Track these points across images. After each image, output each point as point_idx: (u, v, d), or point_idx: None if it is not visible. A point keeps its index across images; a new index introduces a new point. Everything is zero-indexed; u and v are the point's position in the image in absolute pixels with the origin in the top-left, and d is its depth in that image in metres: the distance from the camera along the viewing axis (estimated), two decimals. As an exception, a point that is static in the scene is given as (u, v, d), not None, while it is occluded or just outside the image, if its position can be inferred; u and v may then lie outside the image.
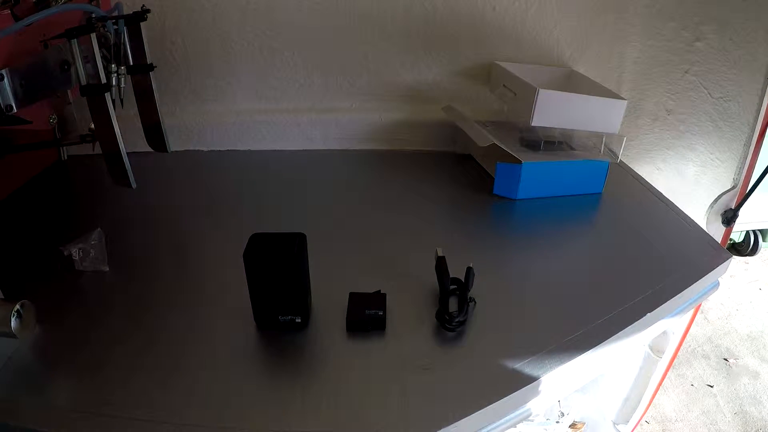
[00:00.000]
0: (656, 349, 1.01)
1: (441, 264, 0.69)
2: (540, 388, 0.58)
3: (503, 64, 1.02)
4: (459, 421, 0.52)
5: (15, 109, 0.63)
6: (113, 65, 0.73)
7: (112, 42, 0.72)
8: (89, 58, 0.68)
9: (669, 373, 1.72)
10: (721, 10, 1.03)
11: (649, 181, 1.02)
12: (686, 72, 1.11)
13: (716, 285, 0.81)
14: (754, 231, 2.45)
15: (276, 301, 0.61)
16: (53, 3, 0.69)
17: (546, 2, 1.02)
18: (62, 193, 0.96)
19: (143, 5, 0.77)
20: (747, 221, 2.35)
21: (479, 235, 0.86)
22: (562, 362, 0.59)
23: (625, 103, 0.91)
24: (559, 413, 1.11)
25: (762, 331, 2.06)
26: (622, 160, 1.00)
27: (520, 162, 0.90)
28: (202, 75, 1.05)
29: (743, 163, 1.14)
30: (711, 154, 1.18)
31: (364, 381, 0.57)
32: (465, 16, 1.02)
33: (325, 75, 1.07)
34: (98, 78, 0.69)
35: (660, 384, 1.16)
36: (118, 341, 0.61)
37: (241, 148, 1.11)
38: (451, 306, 0.65)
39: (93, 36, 0.67)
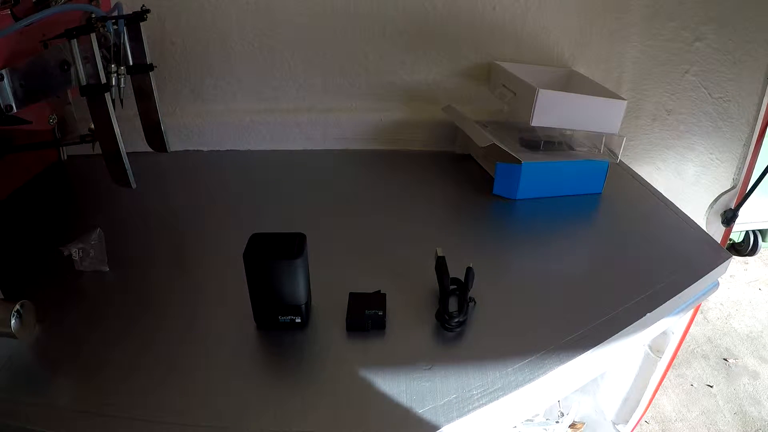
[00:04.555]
0: (656, 349, 1.02)
1: (441, 264, 0.69)
2: (540, 388, 0.58)
3: (503, 64, 1.02)
4: (459, 421, 0.52)
5: (15, 109, 0.63)
6: (113, 65, 0.73)
7: (111, 42, 0.72)
8: (89, 58, 0.67)
9: (669, 373, 1.72)
10: (721, 10, 1.03)
11: (648, 181, 1.02)
12: (686, 72, 1.11)
13: (716, 285, 0.81)
14: (753, 231, 2.45)
15: (276, 301, 0.61)
16: (53, 3, 0.69)
17: (546, 2, 1.02)
18: (62, 193, 0.96)
19: (143, 5, 0.77)
20: (747, 221, 2.35)
21: (479, 235, 0.86)
22: (562, 362, 0.59)
23: (625, 103, 0.91)
24: (559, 413, 1.11)
25: (761, 331, 2.06)
26: (621, 160, 1.00)
27: (519, 162, 0.90)
28: (202, 75, 1.06)
29: (743, 163, 1.14)
30: (711, 154, 1.18)
31: (364, 381, 0.57)
32: (465, 16, 1.02)
33: (325, 75, 1.07)
34: (98, 78, 0.68)
35: (660, 384, 1.16)
36: (118, 341, 0.61)
37: (241, 148, 1.11)
38: (451, 306, 0.65)
39: (93, 36, 0.67)
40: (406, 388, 0.55)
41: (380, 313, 0.63)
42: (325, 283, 0.66)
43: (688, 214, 0.90)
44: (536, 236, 0.86)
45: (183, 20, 1.00)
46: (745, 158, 1.13)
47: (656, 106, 1.16)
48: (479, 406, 0.54)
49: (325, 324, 0.64)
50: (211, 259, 0.77)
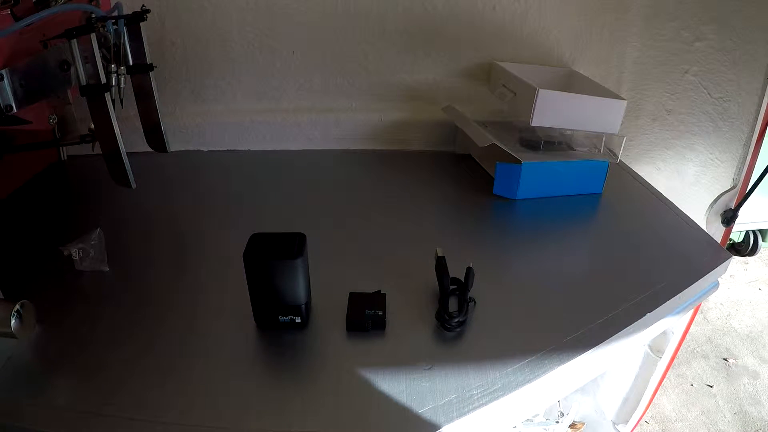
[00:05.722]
0: (656, 349, 1.02)
1: (441, 264, 0.69)
2: (540, 388, 0.58)
3: (503, 64, 1.02)
4: (459, 421, 0.52)
5: (15, 109, 0.63)
6: (113, 65, 0.73)
7: (111, 42, 0.72)
8: (89, 58, 0.68)
9: (669, 373, 1.72)
10: (721, 10, 1.03)
11: (649, 181, 1.02)
12: (686, 72, 1.11)
13: (716, 285, 0.81)
14: (753, 231, 2.44)
15: (276, 301, 0.61)
16: (53, 3, 0.69)
17: (546, 2, 1.02)
18: (62, 193, 0.96)
19: (143, 5, 0.77)
20: (747, 221, 2.35)
21: (479, 235, 0.86)
22: (562, 362, 0.59)
23: (625, 103, 0.91)
24: (559, 413, 1.11)
25: (762, 331, 2.06)
26: (621, 160, 1.00)
27: (519, 162, 0.90)
28: (202, 75, 1.05)
29: (743, 163, 1.14)
30: (711, 154, 1.18)
31: (364, 381, 0.57)
32: (465, 16, 1.02)
33: (325, 75, 1.07)
34: (98, 78, 0.69)
35: (660, 384, 1.16)
36: (118, 341, 0.61)
37: (241, 148, 1.11)
38: (451, 306, 0.65)
39: (93, 36, 0.67)
40: (406, 388, 0.55)
41: (380, 313, 0.63)
42: (325, 283, 0.66)
43: (688, 214, 0.90)
44: (536, 236, 0.86)
45: (183, 20, 1.00)
46: (745, 158, 1.13)
47: (656, 106, 1.16)
48: (479, 406, 0.54)
49: (325, 324, 0.64)
50: (211, 259, 0.77)
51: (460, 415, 0.53)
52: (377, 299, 0.65)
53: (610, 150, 0.98)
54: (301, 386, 0.56)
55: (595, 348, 0.62)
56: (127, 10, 0.76)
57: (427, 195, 0.96)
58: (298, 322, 0.62)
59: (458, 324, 0.63)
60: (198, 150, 1.10)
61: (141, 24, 0.78)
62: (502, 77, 1.01)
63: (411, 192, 0.97)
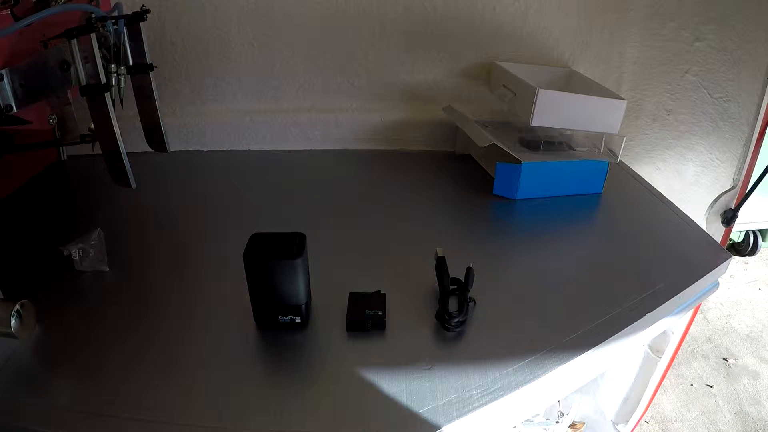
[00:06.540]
0: (656, 349, 1.02)
1: (441, 264, 0.69)
2: (540, 388, 0.58)
3: (503, 64, 1.02)
4: (459, 421, 0.52)
5: (15, 109, 0.63)
6: (113, 65, 0.73)
7: (111, 42, 0.72)
8: (89, 58, 0.68)
9: (669, 373, 1.72)
10: (721, 10, 1.03)
11: (648, 181, 1.02)
12: (686, 72, 1.11)
13: (716, 285, 0.81)
14: (753, 231, 2.44)
15: (276, 301, 0.61)
16: (53, 3, 0.69)
17: (546, 2, 1.02)
18: (62, 193, 0.96)
19: (143, 5, 0.77)
20: (747, 221, 2.35)
21: (479, 235, 0.86)
22: (562, 362, 0.59)
23: (624, 103, 0.91)
24: (559, 413, 1.11)
25: (761, 331, 2.06)
26: (621, 160, 1.00)
27: (519, 162, 0.90)
28: (202, 75, 1.06)
29: (743, 163, 1.14)
30: (711, 154, 1.18)
31: (364, 381, 0.57)
32: (465, 16, 1.02)
33: (325, 75, 1.07)
34: (98, 78, 0.69)
35: (660, 384, 1.16)
36: (118, 341, 0.61)
37: (241, 148, 1.11)
38: (451, 306, 0.65)
39: (93, 36, 0.67)
40: (406, 388, 0.55)
41: (380, 313, 0.63)
42: (325, 283, 0.66)
43: (688, 214, 0.90)
44: (536, 236, 0.86)
45: (183, 20, 1.00)
46: (745, 158, 1.13)
47: (656, 106, 1.16)
48: (479, 406, 0.54)
49: (325, 324, 0.64)
50: (211, 259, 0.77)
51: (460, 415, 0.53)
52: (377, 299, 0.65)
53: (610, 150, 0.98)
54: (301, 386, 0.56)
55: (595, 348, 0.62)
56: (127, 10, 0.76)
57: (427, 195, 0.96)
58: (298, 322, 0.62)
59: (458, 324, 0.63)
60: (198, 150, 1.10)
61: (141, 24, 0.78)
62: (502, 77, 1.01)
63: (411, 192, 0.97)
